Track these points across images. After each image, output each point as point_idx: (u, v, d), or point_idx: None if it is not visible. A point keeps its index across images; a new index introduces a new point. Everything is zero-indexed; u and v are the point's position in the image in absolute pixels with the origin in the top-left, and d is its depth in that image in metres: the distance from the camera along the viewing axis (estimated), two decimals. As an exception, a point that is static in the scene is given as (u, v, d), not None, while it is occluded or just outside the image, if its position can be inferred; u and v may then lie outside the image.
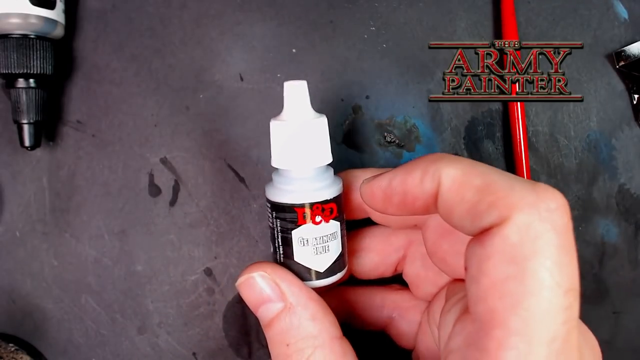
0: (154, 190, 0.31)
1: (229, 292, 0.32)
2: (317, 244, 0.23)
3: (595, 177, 0.33)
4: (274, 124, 0.23)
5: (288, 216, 0.23)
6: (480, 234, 0.18)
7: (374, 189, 0.22)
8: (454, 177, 0.19)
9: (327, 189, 0.23)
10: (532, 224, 0.16)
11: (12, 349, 0.30)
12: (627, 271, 0.33)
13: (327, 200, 0.23)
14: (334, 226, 0.23)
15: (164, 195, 0.31)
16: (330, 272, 0.24)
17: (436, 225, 0.24)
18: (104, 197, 0.31)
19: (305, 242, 0.23)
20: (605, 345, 0.20)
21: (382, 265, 0.27)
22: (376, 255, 0.27)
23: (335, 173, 0.25)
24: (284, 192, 0.23)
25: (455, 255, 0.23)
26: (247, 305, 0.24)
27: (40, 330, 0.31)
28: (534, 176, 0.32)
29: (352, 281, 0.28)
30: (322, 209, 0.23)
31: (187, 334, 0.32)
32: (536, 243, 0.16)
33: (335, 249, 0.24)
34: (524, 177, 0.31)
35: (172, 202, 0.31)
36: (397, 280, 0.30)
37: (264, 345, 0.32)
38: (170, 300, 0.31)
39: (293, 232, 0.23)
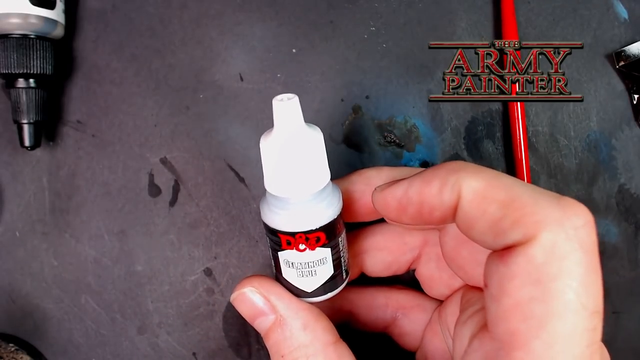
0: (154, 190, 0.31)
1: (229, 293, 0.32)
2: (302, 269, 0.22)
3: (595, 177, 0.33)
4: (263, 145, 0.21)
5: (273, 238, 0.22)
6: (503, 251, 0.17)
7: (387, 198, 0.21)
8: (475, 190, 0.18)
9: (316, 216, 0.21)
10: (558, 243, 0.16)
11: (12, 349, 0.30)
12: (627, 271, 0.33)
13: (311, 230, 0.21)
14: (322, 253, 0.22)
15: (163, 195, 0.31)
16: (320, 291, 0.23)
17: (456, 232, 0.23)
18: (104, 197, 0.31)
19: (291, 264, 0.22)
20: (605, 345, 0.20)
21: (396, 264, 0.27)
22: (389, 254, 0.27)
23: (335, 175, 0.23)
24: (271, 214, 0.22)
25: (475, 264, 0.22)
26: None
27: (40, 330, 0.31)
28: (534, 176, 0.32)
29: (355, 281, 0.28)
30: (306, 238, 0.21)
31: (187, 334, 0.31)
32: (562, 263, 0.16)
33: (324, 272, 0.23)
34: (523, 177, 0.31)
35: (172, 202, 0.31)
36: (399, 280, 0.30)
37: (264, 346, 0.32)
38: (170, 300, 0.31)
39: (279, 253, 0.22)
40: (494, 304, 0.17)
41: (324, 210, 0.22)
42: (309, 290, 0.23)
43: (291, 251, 0.22)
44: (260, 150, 0.21)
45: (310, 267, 0.22)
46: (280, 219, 0.21)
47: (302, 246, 0.22)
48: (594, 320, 0.16)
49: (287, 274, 0.23)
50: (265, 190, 0.22)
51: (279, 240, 0.22)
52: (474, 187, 0.18)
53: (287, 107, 0.20)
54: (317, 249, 0.22)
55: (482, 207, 0.18)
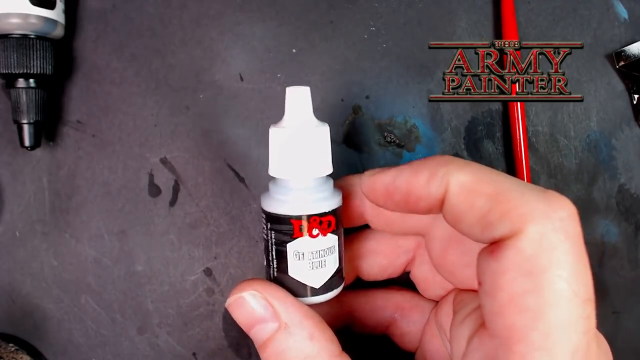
0: (154, 190, 0.31)
1: (229, 293, 0.32)
2: (313, 259, 0.22)
3: (595, 177, 0.33)
4: (273, 131, 0.22)
5: (284, 228, 0.22)
6: (493, 247, 0.17)
7: (376, 183, 0.21)
8: (463, 183, 0.18)
9: (326, 200, 0.22)
10: (546, 234, 0.16)
11: (12, 349, 0.30)
12: (627, 271, 0.33)
13: (325, 212, 0.22)
14: (332, 240, 0.22)
15: (164, 195, 0.31)
16: (326, 288, 0.23)
17: (441, 236, 0.23)
18: (104, 197, 0.31)
19: (301, 256, 0.22)
20: (605, 345, 0.20)
21: (391, 267, 0.27)
22: (384, 258, 0.27)
23: (335, 174, 0.24)
24: (280, 203, 0.22)
25: (464, 267, 0.22)
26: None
27: (40, 330, 0.31)
28: (534, 176, 0.32)
29: (352, 285, 0.28)
30: (320, 221, 0.22)
31: (187, 334, 0.31)
32: (551, 254, 0.16)
33: (332, 264, 0.23)
34: (523, 177, 0.31)
35: (172, 202, 0.31)
36: (396, 281, 0.30)
37: (264, 345, 0.32)
38: (170, 300, 0.31)
39: (288, 245, 0.22)
40: (488, 300, 0.18)
41: (332, 194, 0.22)
42: (317, 285, 0.23)
43: (302, 239, 0.22)
44: (269, 138, 0.22)
45: (320, 257, 0.22)
46: (290, 205, 0.22)
47: (315, 231, 0.22)
48: (587, 308, 0.16)
49: (296, 268, 0.22)
50: (271, 181, 0.23)
51: (290, 228, 0.22)
52: (462, 181, 0.18)
53: (300, 93, 0.21)
54: (328, 234, 0.22)
55: (470, 200, 0.18)
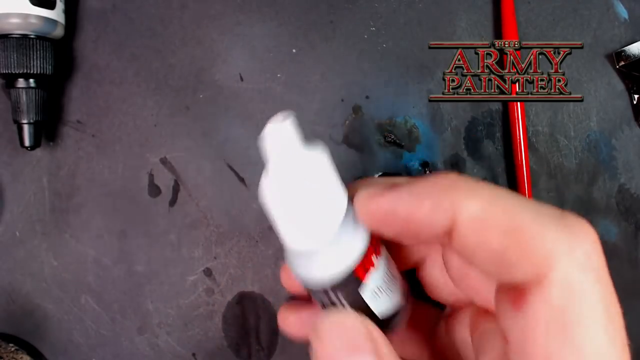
0: (154, 190, 0.31)
1: (229, 293, 0.32)
2: (386, 281, 0.20)
3: (595, 177, 0.33)
4: (271, 189, 0.18)
5: (349, 285, 0.19)
6: (516, 297, 0.16)
7: (372, 207, 0.19)
8: (473, 215, 0.16)
9: (361, 226, 0.19)
10: (574, 277, 0.15)
11: (12, 349, 0.30)
12: (627, 271, 0.33)
13: (369, 235, 0.19)
14: (384, 251, 0.20)
15: (163, 195, 0.31)
16: (395, 317, 0.21)
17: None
18: (104, 197, 0.31)
19: (378, 290, 0.19)
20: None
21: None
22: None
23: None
24: (335, 261, 0.19)
25: (488, 284, 0.20)
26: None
27: (40, 330, 0.31)
28: (534, 176, 0.32)
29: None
30: (372, 242, 0.19)
31: (187, 335, 0.31)
32: (583, 303, 0.15)
33: (396, 270, 0.21)
34: (523, 177, 0.31)
35: (172, 202, 0.31)
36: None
37: (264, 347, 0.32)
38: (170, 300, 0.31)
39: (362, 292, 0.19)
40: (518, 358, 0.16)
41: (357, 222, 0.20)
42: (403, 301, 0.21)
43: (370, 274, 0.19)
44: (264, 200, 0.19)
45: (389, 274, 0.20)
46: (348, 253, 0.19)
47: (373, 257, 0.19)
48: (625, 354, 0.15)
49: (380, 305, 0.20)
50: (296, 255, 0.20)
51: (357, 279, 0.19)
52: (472, 212, 0.16)
53: (281, 129, 0.18)
54: (380, 250, 0.20)
55: (483, 235, 0.16)
